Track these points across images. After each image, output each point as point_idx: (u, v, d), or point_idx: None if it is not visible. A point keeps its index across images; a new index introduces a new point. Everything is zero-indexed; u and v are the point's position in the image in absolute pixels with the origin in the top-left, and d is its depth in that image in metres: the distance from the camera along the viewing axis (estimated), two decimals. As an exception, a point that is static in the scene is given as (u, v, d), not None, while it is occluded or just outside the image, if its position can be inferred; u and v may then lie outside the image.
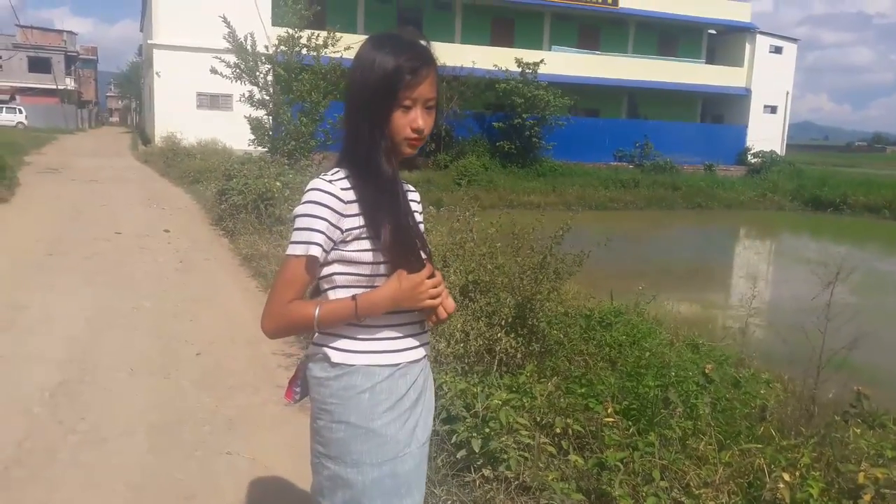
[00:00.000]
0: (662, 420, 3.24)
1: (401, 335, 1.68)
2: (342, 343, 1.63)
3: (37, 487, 3.07)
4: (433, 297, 1.62)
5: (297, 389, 1.77)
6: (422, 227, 1.82)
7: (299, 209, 1.61)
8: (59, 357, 4.69)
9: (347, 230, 1.59)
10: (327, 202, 1.57)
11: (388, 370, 1.65)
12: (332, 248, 1.60)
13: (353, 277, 1.62)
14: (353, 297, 1.60)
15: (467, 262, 4.29)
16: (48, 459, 3.32)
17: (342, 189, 1.59)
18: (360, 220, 1.59)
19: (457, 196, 15.61)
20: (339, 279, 1.63)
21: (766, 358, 5.46)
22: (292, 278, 1.60)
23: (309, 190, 1.60)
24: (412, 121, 1.60)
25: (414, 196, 1.83)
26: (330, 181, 1.60)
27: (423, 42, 1.67)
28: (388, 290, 1.59)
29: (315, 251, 1.57)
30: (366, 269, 1.61)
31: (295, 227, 1.60)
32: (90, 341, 5.10)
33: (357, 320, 1.60)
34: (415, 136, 1.61)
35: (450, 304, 1.68)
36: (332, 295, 1.65)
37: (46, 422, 3.71)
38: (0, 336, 5.06)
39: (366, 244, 1.60)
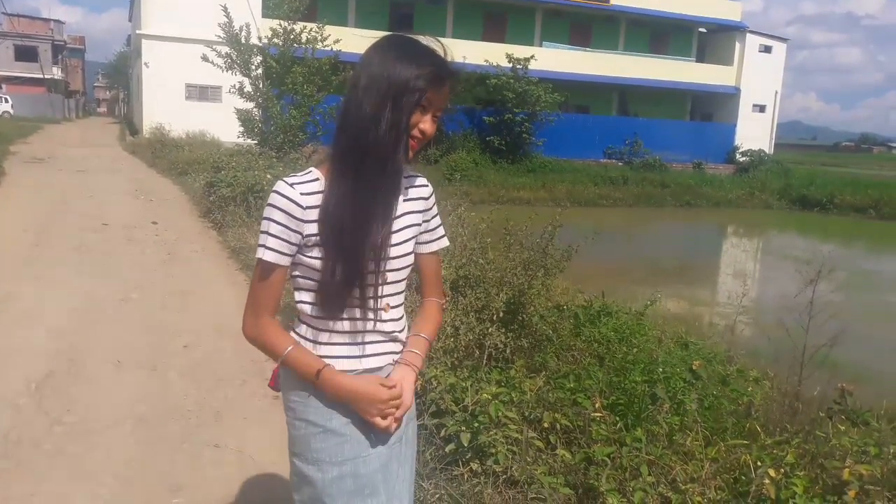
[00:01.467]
0: (650, 416, 3.26)
1: (364, 342, 1.68)
2: (305, 345, 1.64)
3: (23, 479, 3.05)
4: (384, 416, 1.62)
5: (276, 376, 1.78)
6: (426, 225, 1.79)
7: (264, 211, 1.60)
8: (45, 348, 4.65)
9: (307, 235, 1.58)
10: (284, 206, 1.56)
11: (348, 373, 1.64)
12: (297, 252, 1.60)
13: (312, 283, 1.62)
14: (320, 370, 1.59)
15: (458, 257, 4.30)
16: (34, 451, 3.30)
17: (302, 194, 1.57)
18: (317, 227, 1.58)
19: (447, 191, 15.61)
20: (300, 282, 1.64)
21: (752, 355, 5.50)
22: (259, 280, 1.63)
23: (271, 192, 1.59)
24: (422, 121, 1.60)
25: (420, 192, 1.79)
26: (292, 185, 1.58)
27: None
28: (352, 386, 1.60)
29: (269, 256, 1.57)
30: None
31: (260, 229, 1.61)
32: (77, 333, 5.07)
33: (313, 384, 1.61)
34: (419, 136, 1.60)
35: (399, 414, 1.66)
36: (296, 296, 1.65)
37: (33, 413, 3.69)
38: (-15, 327, 5.02)
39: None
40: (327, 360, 1.62)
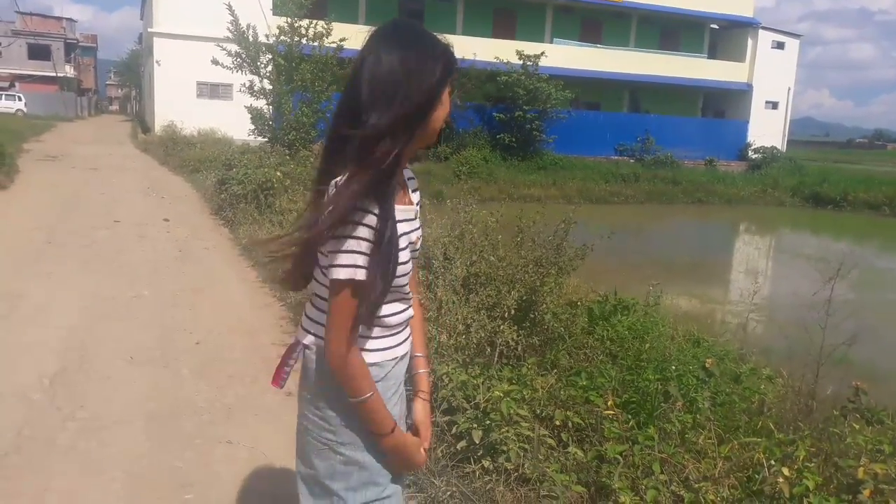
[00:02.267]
0: (662, 414, 3.24)
1: (404, 331, 1.74)
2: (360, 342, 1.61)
3: (35, 475, 3.06)
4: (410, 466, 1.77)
5: (285, 376, 1.76)
6: (415, 223, 1.72)
7: (349, 230, 1.49)
8: (57, 345, 4.68)
9: None
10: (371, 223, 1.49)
11: (394, 360, 1.71)
12: None
13: None
14: (394, 427, 1.66)
15: (468, 254, 4.29)
16: (47, 447, 3.31)
17: None
18: None
19: (457, 188, 15.59)
20: None
21: (765, 353, 5.46)
22: (354, 304, 1.53)
23: (360, 213, 1.48)
24: (446, 109, 1.57)
25: (416, 184, 1.78)
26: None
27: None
28: (407, 450, 1.72)
29: (365, 275, 1.50)
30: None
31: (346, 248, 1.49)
32: (89, 329, 5.09)
33: (376, 436, 1.65)
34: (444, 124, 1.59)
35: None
36: None
37: (45, 409, 3.71)
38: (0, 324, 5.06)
39: None
40: (375, 353, 1.64)
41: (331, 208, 1.47)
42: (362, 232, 1.47)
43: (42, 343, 4.70)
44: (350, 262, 1.48)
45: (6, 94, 46.50)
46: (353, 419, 1.64)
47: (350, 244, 1.47)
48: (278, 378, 1.76)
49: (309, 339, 1.69)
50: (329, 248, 1.51)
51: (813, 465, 2.78)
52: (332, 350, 1.55)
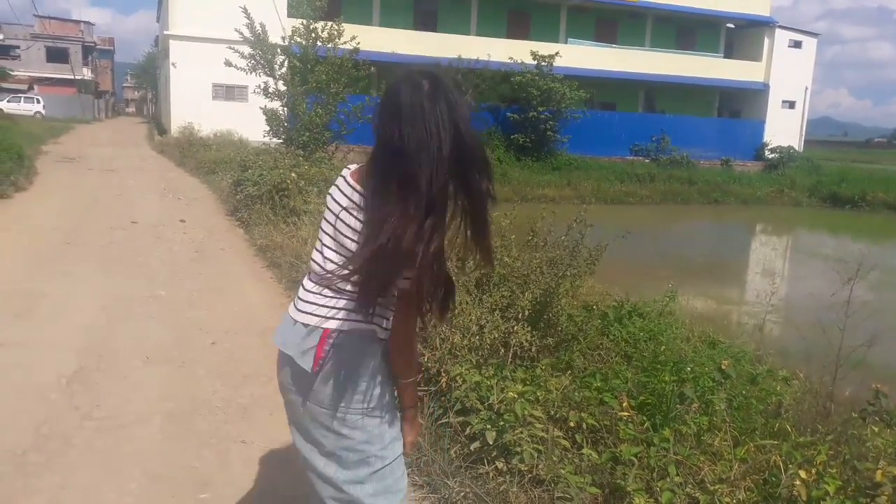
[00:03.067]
0: (678, 415, 3.22)
1: None
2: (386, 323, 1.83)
3: (54, 473, 3.09)
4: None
5: (322, 361, 1.83)
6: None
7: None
8: (75, 345, 4.72)
9: None
10: None
11: None
12: None
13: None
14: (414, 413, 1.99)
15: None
16: (65, 445, 3.35)
17: None
18: None
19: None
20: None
21: (782, 354, 5.41)
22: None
23: None
24: None
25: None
26: None
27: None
28: (416, 425, 2.02)
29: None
30: None
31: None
32: (106, 329, 5.14)
33: (408, 409, 1.96)
34: None
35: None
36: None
37: (63, 408, 3.75)
38: (19, 323, 5.11)
39: None
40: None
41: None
42: None
43: (60, 342, 4.75)
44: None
45: (25, 97, 47.01)
46: (385, 390, 1.88)
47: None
48: (317, 363, 1.83)
49: (334, 325, 1.81)
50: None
51: (834, 470, 2.75)
52: (408, 328, 1.82)
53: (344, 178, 1.85)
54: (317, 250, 1.89)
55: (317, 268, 1.85)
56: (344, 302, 1.79)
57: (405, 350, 1.85)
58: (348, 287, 1.76)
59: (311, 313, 1.83)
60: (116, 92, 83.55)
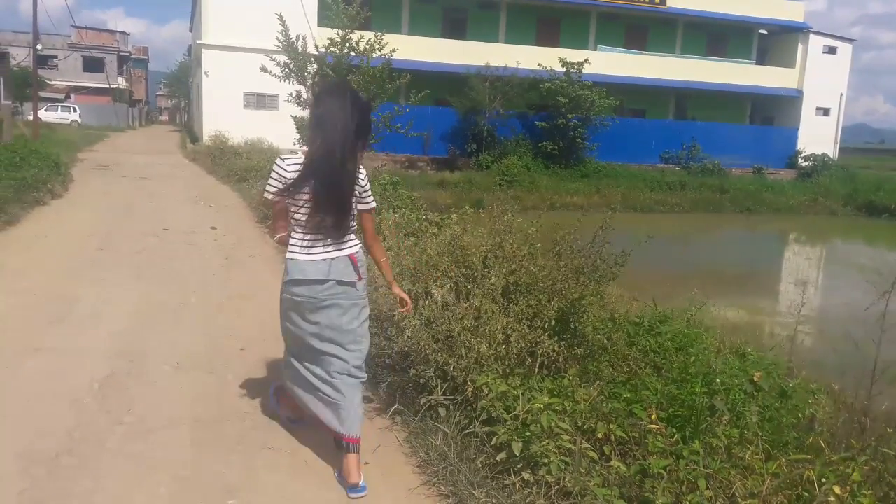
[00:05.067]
0: (708, 428, 3.16)
1: None
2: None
3: (85, 476, 3.14)
4: None
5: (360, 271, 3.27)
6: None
7: None
8: (107, 350, 4.80)
9: None
10: None
11: None
12: None
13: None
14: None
15: (508, 264, 4.26)
16: (97, 449, 3.40)
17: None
18: None
19: (497, 196, 15.55)
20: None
21: (816, 367, 5.31)
22: None
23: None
24: None
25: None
26: None
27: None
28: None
29: None
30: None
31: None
32: (138, 335, 5.21)
33: (392, 280, 3.56)
34: None
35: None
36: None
37: (95, 412, 3.80)
38: (53, 328, 5.21)
39: None
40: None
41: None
42: None
43: (93, 347, 4.83)
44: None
45: (62, 106, 48.10)
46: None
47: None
48: (360, 276, 3.27)
49: (358, 247, 3.26)
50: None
51: (869, 489, 2.68)
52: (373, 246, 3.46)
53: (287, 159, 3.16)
54: (299, 208, 3.15)
55: (315, 222, 3.13)
56: (351, 234, 3.25)
57: (376, 240, 3.47)
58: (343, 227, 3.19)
59: (339, 246, 3.20)
60: (150, 100, 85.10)
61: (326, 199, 3.08)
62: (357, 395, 3.25)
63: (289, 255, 3.18)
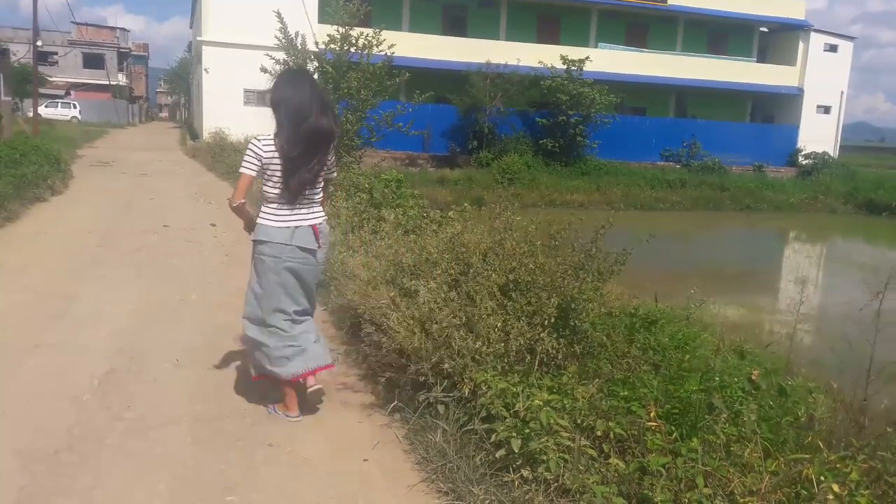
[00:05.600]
0: (706, 426, 3.17)
1: None
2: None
3: (85, 473, 3.15)
4: None
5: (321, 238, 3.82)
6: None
7: None
8: (107, 346, 4.81)
9: None
10: None
11: None
12: None
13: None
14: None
15: (507, 261, 4.26)
16: (96, 446, 3.40)
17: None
18: None
19: (498, 194, 15.53)
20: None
21: (814, 366, 5.31)
22: None
23: None
24: None
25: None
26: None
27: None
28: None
29: None
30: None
31: None
32: (137, 332, 5.22)
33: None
34: None
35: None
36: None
37: (95, 409, 3.81)
38: (53, 325, 5.22)
39: None
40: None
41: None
42: None
43: (93, 344, 4.84)
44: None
45: (62, 102, 48.09)
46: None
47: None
48: (320, 244, 3.80)
49: (322, 220, 3.81)
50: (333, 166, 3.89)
51: (867, 488, 2.68)
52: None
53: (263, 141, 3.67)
54: (274, 184, 3.66)
55: (289, 193, 3.65)
56: (319, 207, 3.82)
57: (328, 198, 4.41)
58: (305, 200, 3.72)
59: (303, 220, 3.71)
60: (150, 97, 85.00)
61: (295, 176, 3.59)
62: (311, 334, 3.85)
63: (259, 219, 3.72)
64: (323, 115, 3.61)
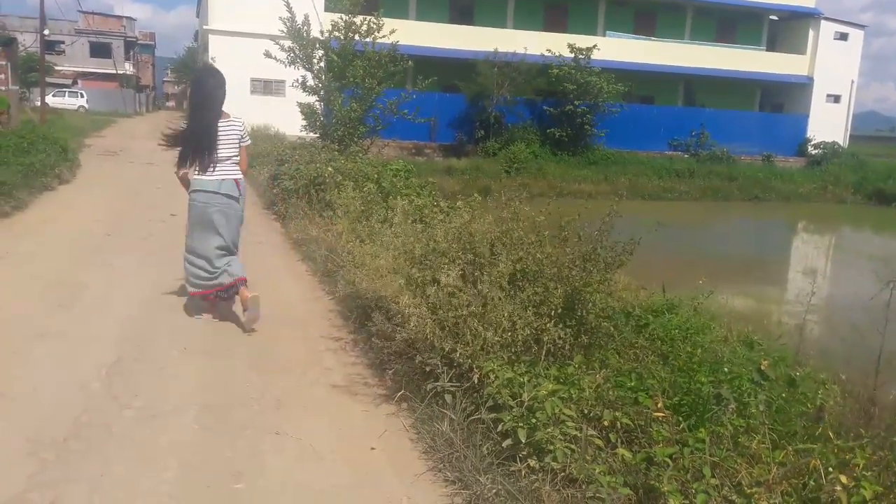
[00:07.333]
0: (714, 417, 3.16)
1: None
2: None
3: (93, 460, 3.16)
4: None
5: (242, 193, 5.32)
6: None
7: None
8: (115, 335, 4.82)
9: None
10: None
11: None
12: None
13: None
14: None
15: (515, 251, 4.24)
16: (104, 434, 3.41)
17: None
18: None
19: (505, 184, 15.51)
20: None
21: (823, 356, 5.29)
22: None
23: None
24: None
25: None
26: None
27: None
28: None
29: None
30: None
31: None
32: (144, 320, 5.24)
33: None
34: None
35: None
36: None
37: (103, 398, 3.82)
38: (62, 314, 5.23)
39: None
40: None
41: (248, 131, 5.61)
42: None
43: (101, 333, 4.85)
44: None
45: (69, 91, 48.12)
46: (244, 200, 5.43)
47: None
48: (240, 193, 5.29)
49: (240, 175, 5.28)
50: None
51: (871, 473, 2.67)
52: (246, 172, 5.47)
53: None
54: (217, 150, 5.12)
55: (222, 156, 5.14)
56: (236, 168, 5.25)
57: (246, 166, 5.48)
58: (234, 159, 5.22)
59: (226, 179, 5.15)
60: (157, 86, 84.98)
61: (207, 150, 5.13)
62: (235, 259, 5.33)
63: (193, 177, 5.14)
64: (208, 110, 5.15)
